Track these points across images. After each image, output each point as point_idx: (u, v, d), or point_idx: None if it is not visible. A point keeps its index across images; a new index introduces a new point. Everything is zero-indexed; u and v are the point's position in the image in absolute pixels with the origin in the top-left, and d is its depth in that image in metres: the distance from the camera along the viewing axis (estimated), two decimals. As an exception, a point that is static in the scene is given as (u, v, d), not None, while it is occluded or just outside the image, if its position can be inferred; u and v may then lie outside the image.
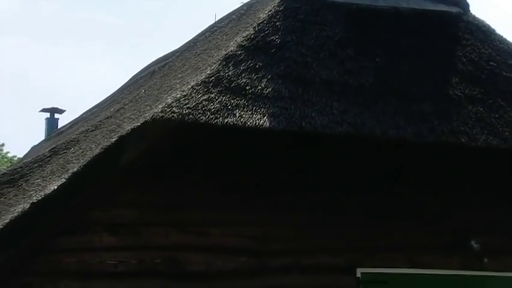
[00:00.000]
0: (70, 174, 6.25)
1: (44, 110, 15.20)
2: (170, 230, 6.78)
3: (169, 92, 7.17)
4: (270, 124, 6.66)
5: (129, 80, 12.05)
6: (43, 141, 14.65)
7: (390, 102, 7.38)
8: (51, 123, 15.14)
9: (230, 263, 6.95)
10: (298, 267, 7.19)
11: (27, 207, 5.94)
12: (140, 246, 6.62)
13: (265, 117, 6.69)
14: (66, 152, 7.76)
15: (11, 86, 41.78)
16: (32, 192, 6.55)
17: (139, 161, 6.59)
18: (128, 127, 6.58)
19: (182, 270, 6.74)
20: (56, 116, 15.30)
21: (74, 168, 6.45)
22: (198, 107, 6.47)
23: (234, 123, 6.54)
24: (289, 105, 6.87)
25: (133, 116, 7.22)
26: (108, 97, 12.20)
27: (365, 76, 7.45)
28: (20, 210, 5.95)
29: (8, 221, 5.84)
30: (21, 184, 7.36)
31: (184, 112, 6.40)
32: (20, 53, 43.33)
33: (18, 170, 7.92)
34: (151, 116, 6.36)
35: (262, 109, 6.73)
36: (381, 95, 7.40)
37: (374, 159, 7.60)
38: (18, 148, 40.04)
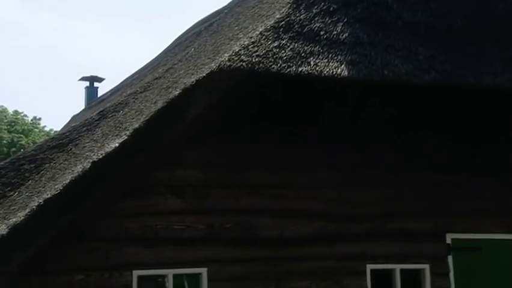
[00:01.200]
0: (131, 131, 5.70)
1: (83, 79, 14.92)
2: (240, 192, 6.18)
3: (229, 44, 6.51)
4: (348, 73, 5.93)
5: (171, 44, 11.47)
6: (84, 110, 14.35)
7: (483, 47, 6.53)
8: (91, 92, 14.86)
9: (306, 228, 6.31)
10: (381, 233, 6.49)
11: (88, 166, 5.42)
12: (208, 210, 6.05)
13: (342, 66, 5.97)
14: (115, 115, 7.22)
15: (45, 61, 42.53)
16: (88, 153, 6.06)
17: (205, 116, 5.98)
18: (188, 81, 5.98)
19: (254, 236, 6.15)
20: (96, 84, 15.02)
21: (133, 126, 5.90)
22: (269, 54, 5.80)
23: (308, 72, 5.85)
24: (369, 51, 6.13)
25: (191, 71, 6.59)
26: (149, 63, 11.69)
27: (453, 17, 6.61)
28: (80, 170, 5.45)
29: (68, 181, 5.34)
30: (71, 149, 6.80)
31: (253, 60, 5.74)
32: (51, 28, 43.94)
33: (67, 134, 7.37)
34: (217, 65, 5.73)
35: (339, 56, 6.01)
36: (473, 39, 6.55)
37: (466, 111, 6.79)
38: (56, 121, 40.60)
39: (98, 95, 14.58)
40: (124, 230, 5.74)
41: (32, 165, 6.82)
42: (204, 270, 5.90)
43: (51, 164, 6.86)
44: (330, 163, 6.48)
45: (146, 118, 5.78)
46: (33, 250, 5.03)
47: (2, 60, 42.49)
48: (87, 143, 6.68)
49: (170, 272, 5.83)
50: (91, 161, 5.51)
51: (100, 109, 8.18)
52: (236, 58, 5.74)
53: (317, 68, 5.92)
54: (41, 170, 6.92)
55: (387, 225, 6.51)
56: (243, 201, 6.18)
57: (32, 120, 29.29)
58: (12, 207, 5.82)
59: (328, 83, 6.11)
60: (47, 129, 28.75)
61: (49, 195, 5.23)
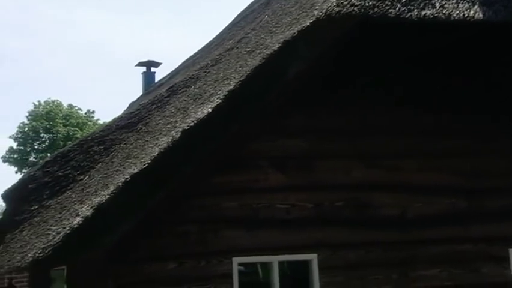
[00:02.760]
0: (225, 93, 4.84)
1: (140, 64, 14.32)
2: (352, 164, 5.23)
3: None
4: (484, 15, 4.83)
5: (233, 21, 10.53)
6: (142, 95, 13.66)
7: None
8: (149, 77, 14.23)
9: (432, 205, 5.29)
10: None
11: (178, 135, 4.61)
12: (316, 186, 5.13)
13: (475, 7, 4.87)
14: (186, 90, 6.41)
15: (95, 55, 42.74)
16: (162, 129, 5.29)
17: (307, 74, 5.04)
18: (281, 37, 5.04)
19: (371, 216, 5.19)
20: (153, 69, 14.41)
21: (219, 93, 5.03)
22: (385, -4, 4.79)
23: (433, 16, 4.79)
24: (507, -12, 5.01)
25: (276, 30, 5.64)
26: (210, 41, 10.76)
27: None
28: (169, 140, 4.65)
29: (156, 154, 4.54)
30: (141, 128, 6.13)
31: (367, 4, 4.74)
32: (96, 23, 44.18)
33: (135, 113, 6.70)
34: (322, 12, 4.77)
35: (470, -4, 4.93)
36: None
37: None
38: (109, 114, 40.90)
39: (156, 80, 13.92)
40: (221, 210, 4.91)
41: (101, 147, 6.22)
42: (314, 257, 5.01)
43: (122, 144, 6.13)
44: (458, 128, 5.42)
45: (242, 78, 4.91)
46: (121, 234, 4.27)
47: (54, 56, 43.35)
48: (159, 120, 5.97)
49: (275, 259, 4.96)
50: (180, 129, 4.70)
51: (168, 86, 7.53)
52: (346, 2, 4.76)
53: (444, 11, 4.86)
54: (111, 152, 6.19)
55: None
56: (355, 175, 5.22)
57: (85, 113, 29.57)
58: (86, 191, 5.15)
59: (458, 29, 5.04)
60: (100, 122, 28.87)
61: (136, 170, 4.46)
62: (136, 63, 14.48)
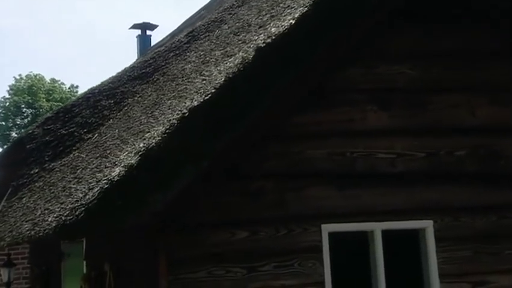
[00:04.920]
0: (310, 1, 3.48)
1: (135, 27, 12.91)
2: (477, 100, 3.87)
3: None
4: None
5: None
6: (138, 61, 12.17)
7: None
8: (144, 40, 12.79)
9: None
10: None
11: (251, 55, 3.27)
12: (430, 129, 3.80)
13: None
14: (209, 35, 5.32)
15: (82, 35, 40.55)
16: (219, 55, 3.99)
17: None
18: None
19: (506, 169, 3.85)
20: (148, 33, 12.99)
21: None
22: None
23: None
24: None
25: None
26: None
27: None
28: (237, 63, 3.32)
29: (222, 81, 3.23)
30: (158, 79, 5.20)
31: None
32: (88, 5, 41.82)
33: (150, 62, 5.86)
34: None
35: None
36: None
37: None
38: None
39: (152, 44, 12.47)
40: (304, 161, 3.61)
41: (111, 101, 5.46)
42: (428, 224, 3.70)
43: (136, 98, 5.20)
44: None
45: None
46: (175, 193, 2.99)
47: (42, 34, 41.46)
48: (182, 67, 4.82)
49: (377, 227, 3.66)
50: (254, 46, 3.36)
51: (188, 30, 6.35)
52: None
53: None
54: (124, 107, 5.27)
55: None
56: (482, 114, 3.87)
57: (69, 88, 28.29)
58: (101, 148, 3.96)
59: None
60: None
61: (195, 103, 3.14)
62: (131, 26, 13.00)
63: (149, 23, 13.23)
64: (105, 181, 2.83)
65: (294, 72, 3.43)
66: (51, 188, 4.32)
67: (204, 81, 3.57)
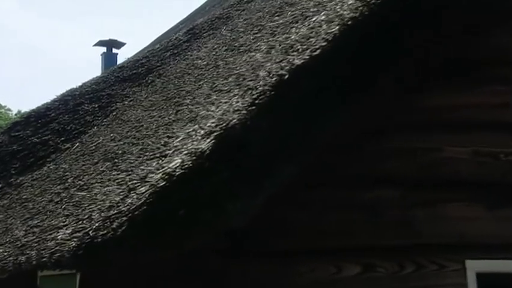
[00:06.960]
0: None
1: (100, 44, 11.91)
2: None
3: None
4: None
5: None
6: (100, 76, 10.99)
7: None
8: (110, 59, 11.76)
9: None
10: None
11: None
12: None
13: None
14: (213, 33, 4.86)
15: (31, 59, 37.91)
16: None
17: None
18: None
19: None
20: (115, 51, 12.02)
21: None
22: None
23: None
24: None
25: None
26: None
27: None
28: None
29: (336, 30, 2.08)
30: (153, 81, 4.64)
31: None
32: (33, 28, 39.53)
33: (142, 61, 5.28)
34: None
35: None
36: None
37: None
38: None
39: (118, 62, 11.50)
40: (436, 163, 2.43)
41: (96, 105, 4.79)
42: None
43: (127, 102, 4.45)
44: None
45: None
46: (263, 201, 1.81)
47: None
48: (182, 68, 4.23)
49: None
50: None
51: (188, 27, 5.73)
52: None
53: None
54: (111, 112, 4.47)
55: None
56: None
57: (16, 114, 26.95)
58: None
59: None
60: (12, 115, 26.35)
61: (298, 61, 1.99)
62: (95, 42, 11.98)
63: (115, 40, 12.21)
64: (160, 175, 1.66)
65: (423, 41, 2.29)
66: (25, 205, 3.25)
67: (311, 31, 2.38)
